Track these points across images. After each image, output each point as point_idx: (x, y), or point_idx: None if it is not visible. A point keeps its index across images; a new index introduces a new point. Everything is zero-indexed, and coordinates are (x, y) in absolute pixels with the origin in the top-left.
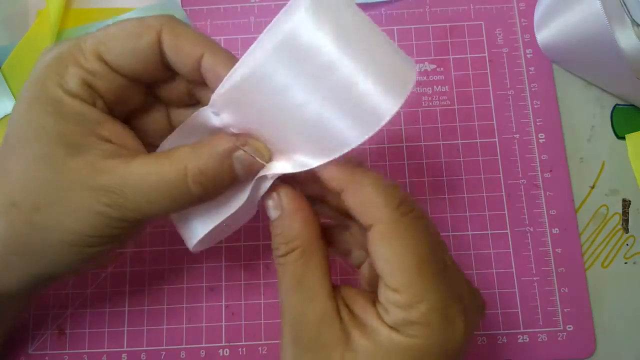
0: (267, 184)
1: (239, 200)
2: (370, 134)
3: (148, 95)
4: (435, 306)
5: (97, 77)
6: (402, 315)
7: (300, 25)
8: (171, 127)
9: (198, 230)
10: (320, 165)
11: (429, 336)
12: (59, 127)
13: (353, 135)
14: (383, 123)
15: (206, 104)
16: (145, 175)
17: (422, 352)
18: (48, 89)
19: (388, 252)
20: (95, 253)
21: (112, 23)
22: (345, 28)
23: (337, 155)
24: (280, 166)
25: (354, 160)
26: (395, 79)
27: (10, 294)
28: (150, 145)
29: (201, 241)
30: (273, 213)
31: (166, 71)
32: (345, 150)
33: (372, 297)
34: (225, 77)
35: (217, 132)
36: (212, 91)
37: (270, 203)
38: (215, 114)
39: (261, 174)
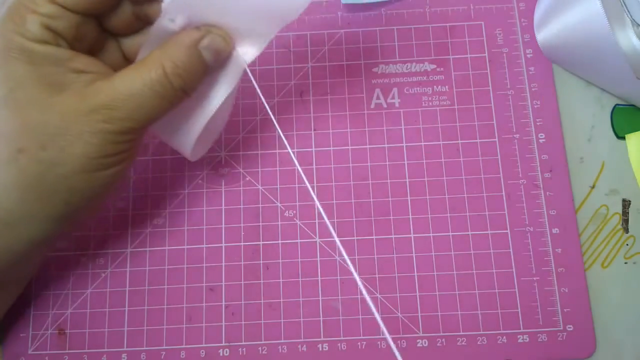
0: (239, 71)
1: (219, 94)
2: None
3: (100, 31)
4: None
5: (55, 19)
6: None
7: None
8: (125, 59)
9: (191, 134)
10: None
11: None
12: (35, 72)
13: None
14: None
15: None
16: (129, 84)
17: None
18: (13, 40)
19: None
20: (107, 176)
21: None
22: None
23: (293, 19)
24: (247, 49)
25: None
26: None
27: (34, 243)
28: None
29: (196, 147)
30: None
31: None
32: (300, 13)
33: None
34: None
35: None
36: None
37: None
38: (171, 20)
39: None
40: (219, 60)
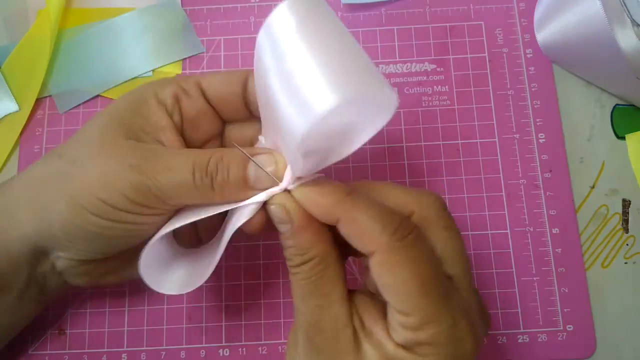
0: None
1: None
2: (311, 121)
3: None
4: (443, 327)
5: (186, 95)
6: (411, 336)
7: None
8: (222, 137)
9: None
10: (309, 201)
11: (438, 355)
12: (139, 122)
13: (301, 122)
14: (319, 113)
15: None
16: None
17: None
18: (146, 96)
19: (390, 279)
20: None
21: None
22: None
23: (295, 144)
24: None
25: (343, 189)
26: (347, 81)
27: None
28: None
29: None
30: (282, 228)
31: (245, 112)
32: (298, 141)
33: (381, 306)
34: None
35: None
36: None
37: (276, 217)
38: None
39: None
40: (259, 182)
